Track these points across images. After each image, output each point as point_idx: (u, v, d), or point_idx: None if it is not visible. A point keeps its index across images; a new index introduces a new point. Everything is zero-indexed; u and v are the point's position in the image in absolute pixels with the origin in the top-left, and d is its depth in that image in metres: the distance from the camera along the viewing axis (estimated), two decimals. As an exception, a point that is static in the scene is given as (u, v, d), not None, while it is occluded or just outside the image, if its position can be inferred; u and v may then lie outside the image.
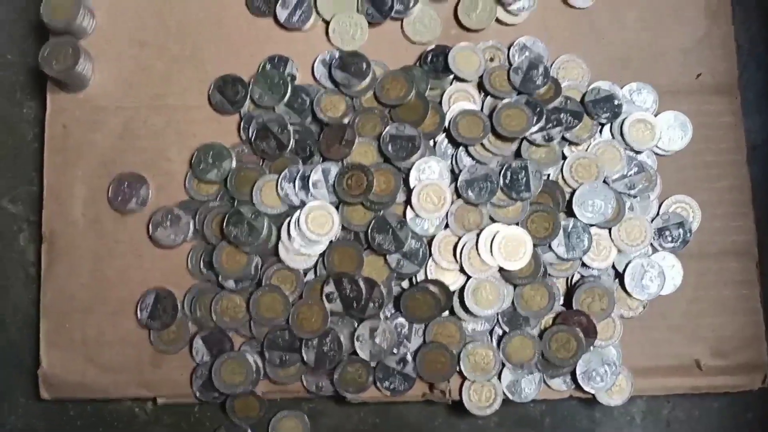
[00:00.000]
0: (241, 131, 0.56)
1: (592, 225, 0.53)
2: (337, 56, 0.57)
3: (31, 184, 0.57)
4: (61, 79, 0.55)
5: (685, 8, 0.58)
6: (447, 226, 0.54)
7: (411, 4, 0.57)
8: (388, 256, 0.53)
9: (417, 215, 0.54)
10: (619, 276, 0.53)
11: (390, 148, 0.54)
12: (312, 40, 0.58)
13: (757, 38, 0.60)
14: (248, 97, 0.56)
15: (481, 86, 0.56)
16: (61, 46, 0.54)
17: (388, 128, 0.55)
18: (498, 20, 0.58)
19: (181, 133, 0.56)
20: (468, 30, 0.58)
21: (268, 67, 0.57)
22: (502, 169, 0.54)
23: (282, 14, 0.57)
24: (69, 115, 0.56)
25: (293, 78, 0.57)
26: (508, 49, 0.57)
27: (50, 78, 0.55)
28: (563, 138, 0.55)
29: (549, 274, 0.53)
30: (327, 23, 0.58)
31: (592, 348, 0.52)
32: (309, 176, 0.54)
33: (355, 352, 0.52)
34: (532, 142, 0.54)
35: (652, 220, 0.54)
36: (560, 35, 0.58)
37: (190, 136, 0.56)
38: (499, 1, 0.57)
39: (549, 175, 0.55)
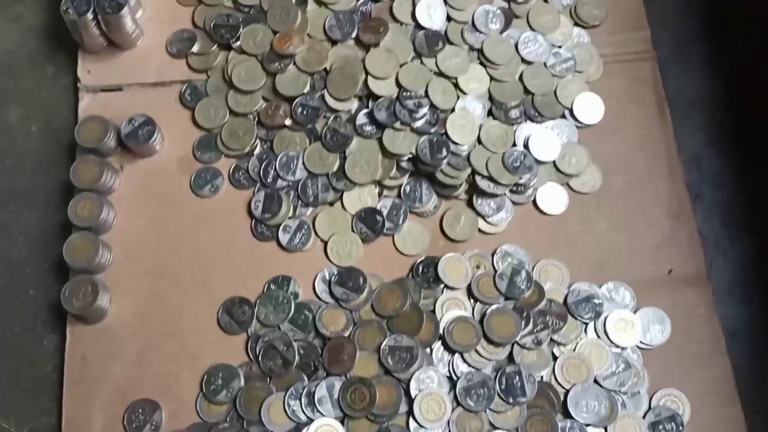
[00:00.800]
0: (249, 350, 0.60)
1: (588, 425, 0.55)
2: (335, 273, 0.61)
3: (50, 415, 0.59)
4: (81, 315, 0.59)
5: (649, 210, 0.64)
6: (449, 434, 0.56)
7: (400, 222, 0.63)
8: (395, 470, 0.55)
9: (420, 425, 0.56)
10: (621, 475, 0.55)
11: (390, 360, 0.58)
12: (312, 259, 0.63)
13: (720, 233, 0.65)
14: (254, 317, 0.60)
15: (470, 293, 0.61)
16: (81, 284, 0.59)
17: (386, 340, 0.58)
18: (480, 230, 0.63)
19: (192, 357, 0.60)
20: (453, 241, 0.63)
21: (272, 287, 0.61)
22: (497, 374, 0.57)
23: (284, 238, 0.63)
24: (87, 346, 0.60)
25: (296, 296, 0.61)
26: (492, 256, 0.62)
27: (70, 313, 0.60)
28: (551, 340, 0.58)
29: (553, 479, 0.54)
30: (325, 243, 0.63)
31: None
32: (314, 392, 0.57)
33: None
34: (522, 346, 0.58)
35: (645, 415, 0.56)
36: (538, 241, 0.63)
37: (201, 358, 0.60)
38: (479, 214, 0.63)
39: (542, 377, 0.58)
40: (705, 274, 0.62)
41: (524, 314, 0.59)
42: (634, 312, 0.60)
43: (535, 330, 0.58)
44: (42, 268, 0.63)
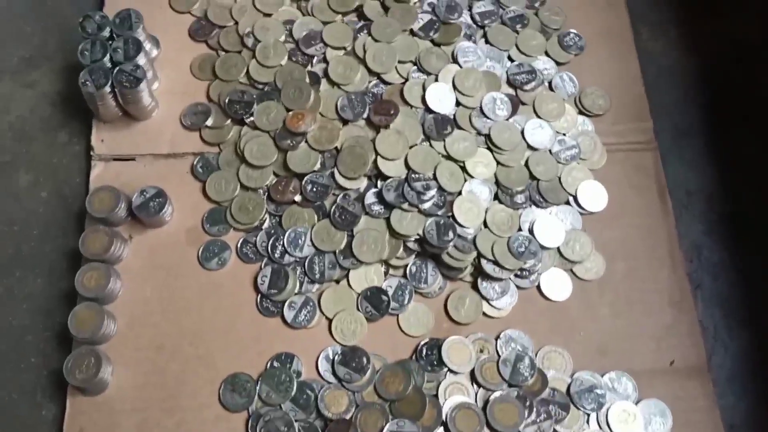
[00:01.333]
0: (249, 429, 0.59)
1: None
2: (339, 352, 0.61)
3: (42, 490, 0.58)
4: (83, 387, 0.59)
5: (651, 298, 0.65)
6: None
7: (405, 302, 0.63)
8: None
9: None
10: None
11: (392, 445, 0.57)
12: (316, 336, 0.63)
13: (720, 324, 0.66)
14: (256, 394, 0.60)
15: (473, 378, 0.61)
16: (84, 356, 0.58)
17: (389, 425, 0.58)
18: (484, 314, 0.64)
19: (191, 434, 0.59)
20: (458, 323, 0.63)
21: (275, 365, 0.61)
22: (500, 465, 0.56)
23: (289, 315, 0.63)
24: (86, 418, 0.59)
25: (299, 374, 0.61)
26: (496, 340, 0.62)
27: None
28: (554, 430, 0.58)
29: None
30: (330, 321, 0.63)
31: None
32: (315, 478, 0.56)
33: None
34: (525, 437, 0.58)
35: None
36: (541, 326, 0.63)
37: (200, 436, 0.59)
38: (484, 297, 0.64)
39: (545, 469, 0.57)
40: (706, 366, 0.62)
41: (527, 403, 0.59)
42: (636, 403, 0.60)
43: (538, 419, 0.58)
44: (44, 336, 0.63)
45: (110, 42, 0.66)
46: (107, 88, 0.64)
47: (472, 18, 0.74)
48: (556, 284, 0.64)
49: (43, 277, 0.65)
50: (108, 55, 0.65)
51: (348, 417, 0.59)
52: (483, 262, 0.63)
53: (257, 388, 0.60)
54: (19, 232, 0.66)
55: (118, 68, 0.64)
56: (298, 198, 0.66)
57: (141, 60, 0.65)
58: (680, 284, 0.65)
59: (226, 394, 0.60)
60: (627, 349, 0.63)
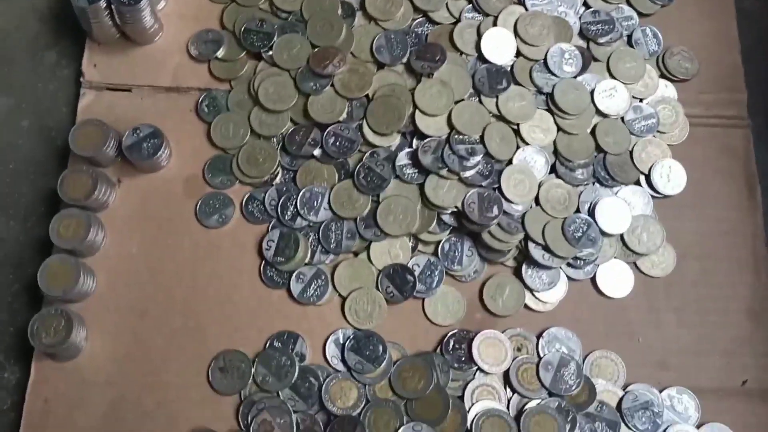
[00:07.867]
0: (240, 417, 0.54)
1: None
2: (351, 336, 0.56)
3: (0, 461, 0.54)
4: (51, 352, 0.54)
5: (726, 306, 0.58)
6: None
7: (434, 284, 0.57)
8: None
9: None
10: None
11: (406, 455, 0.52)
12: (326, 316, 0.57)
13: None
14: (251, 377, 0.55)
15: (507, 381, 0.55)
16: (53, 317, 0.53)
17: (403, 428, 0.53)
18: (526, 306, 0.57)
19: (172, 417, 0.54)
20: (494, 315, 0.57)
21: (275, 344, 0.56)
22: (532, 489, 0.51)
23: (296, 288, 0.57)
24: (52, 388, 0.55)
25: (302, 358, 0.56)
26: (538, 338, 0.56)
27: (38, 347, 0.54)
28: (598, 453, 0.52)
29: None
30: (343, 299, 0.57)
31: None
32: (312, 482, 0.51)
33: None
34: (564, 458, 0.52)
35: None
36: (593, 327, 0.57)
37: (183, 420, 0.54)
38: (528, 287, 0.57)
39: (583, 498, 0.52)
40: (785, 392, 0.56)
41: (569, 417, 0.53)
42: (698, 427, 0.54)
43: (581, 439, 0.52)
44: (13, 289, 0.58)
45: (110, -53, 0.59)
46: (102, 3, 0.57)
47: (542, -49, 0.66)
48: (616, 279, 0.58)
49: (16, 220, 0.60)
50: (107, -38, 0.58)
51: (355, 413, 0.53)
52: (531, 245, 0.57)
53: (252, 369, 0.54)
54: (-9, 165, 0.61)
55: (116, -20, 0.58)
56: (317, 152, 0.59)
57: (145, -28, 0.59)
58: (763, 292, 0.58)
59: (216, 373, 0.55)
60: (692, 363, 0.56)
